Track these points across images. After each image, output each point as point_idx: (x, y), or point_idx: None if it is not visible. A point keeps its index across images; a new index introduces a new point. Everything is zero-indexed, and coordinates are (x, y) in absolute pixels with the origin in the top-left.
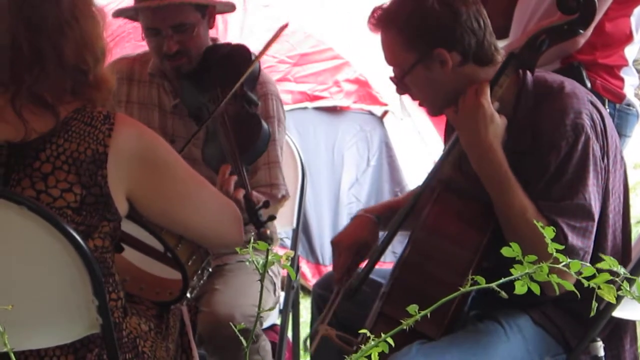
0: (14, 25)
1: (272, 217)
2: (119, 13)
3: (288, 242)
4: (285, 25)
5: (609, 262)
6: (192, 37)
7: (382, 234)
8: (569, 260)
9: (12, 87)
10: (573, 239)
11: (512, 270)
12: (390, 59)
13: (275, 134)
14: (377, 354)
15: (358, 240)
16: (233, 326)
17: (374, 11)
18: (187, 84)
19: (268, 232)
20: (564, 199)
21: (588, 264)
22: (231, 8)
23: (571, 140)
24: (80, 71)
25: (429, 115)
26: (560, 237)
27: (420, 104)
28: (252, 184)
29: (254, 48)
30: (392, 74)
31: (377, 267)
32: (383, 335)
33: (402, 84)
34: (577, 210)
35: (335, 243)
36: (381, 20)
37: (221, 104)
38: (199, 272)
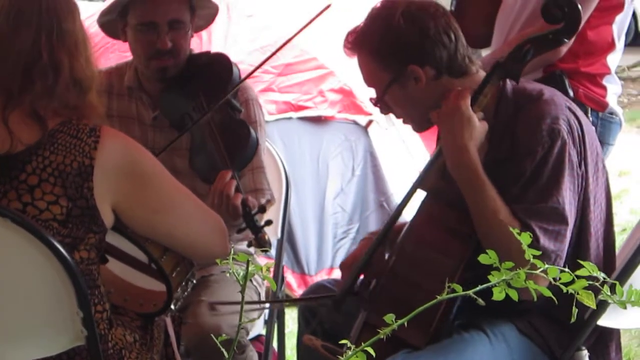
0: (38, 33)
1: (269, 222)
2: (104, 20)
3: (273, 252)
4: (329, 6)
5: (588, 268)
6: (183, 38)
7: None
8: (546, 265)
9: (13, 94)
10: (545, 241)
11: (489, 277)
12: (368, 80)
13: (259, 139)
14: None
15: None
16: (214, 338)
17: (347, 35)
18: (168, 94)
19: (266, 237)
20: (537, 202)
21: (567, 270)
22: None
23: (547, 145)
24: (84, 89)
25: (415, 131)
26: (532, 241)
27: (405, 122)
28: None
29: (238, 57)
30: (373, 95)
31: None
32: (370, 350)
33: (383, 103)
34: (550, 213)
35: (342, 265)
36: (355, 43)
37: (208, 113)
38: (183, 283)
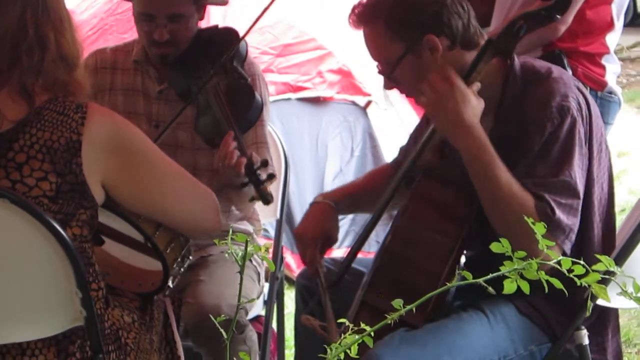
0: (24, 7)
1: (272, 175)
2: None
3: (272, 233)
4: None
5: (605, 262)
6: (184, 29)
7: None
8: (560, 257)
9: (2, 72)
10: (560, 214)
11: (501, 267)
12: (377, 54)
13: (263, 113)
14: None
15: (322, 231)
16: (213, 319)
17: (354, 8)
18: (177, 67)
19: (268, 189)
20: (549, 175)
21: (581, 262)
22: (222, 1)
23: (557, 121)
24: (70, 65)
25: (418, 104)
26: (547, 211)
27: (409, 95)
28: None
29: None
30: (379, 68)
31: (359, 256)
32: (364, 323)
33: (390, 78)
34: (562, 186)
35: (299, 235)
36: (363, 15)
37: (211, 74)
38: (179, 259)
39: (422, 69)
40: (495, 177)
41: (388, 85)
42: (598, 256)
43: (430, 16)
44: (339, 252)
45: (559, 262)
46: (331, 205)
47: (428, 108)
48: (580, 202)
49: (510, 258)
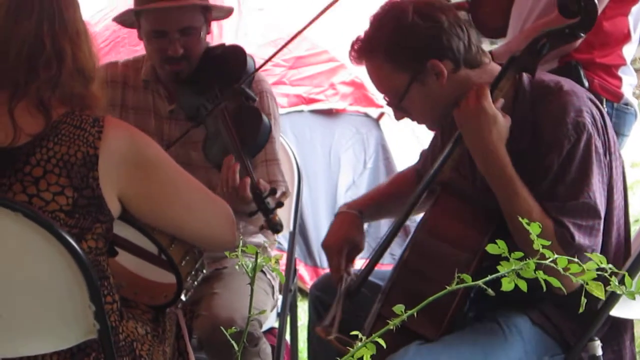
0: (41, 20)
1: (280, 204)
2: (120, 18)
3: (285, 245)
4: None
5: (596, 260)
6: (197, 42)
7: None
8: (556, 255)
9: (19, 85)
10: (580, 238)
11: (498, 267)
12: (382, 86)
13: (272, 131)
14: (369, 355)
15: (347, 241)
16: (224, 330)
17: (352, 44)
18: (184, 88)
19: (277, 218)
20: (569, 198)
21: (576, 260)
22: (227, 14)
23: (573, 139)
24: (87, 78)
25: (431, 130)
26: (567, 237)
27: (420, 123)
28: None
29: (249, 51)
30: (387, 100)
31: (376, 268)
32: (380, 337)
33: (399, 108)
34: (582, 209)
35: (326, 247)
36: (362, 50)
37: (221, 102)
38: (193, 273)
39: (430, 96)
40: (517, 202)
41: (398, 116)
42: (589, 255)
43: (429, 41)
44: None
45: (554, 261)
46: (356, 215)
47: (461, 123)
48: (602, 220)
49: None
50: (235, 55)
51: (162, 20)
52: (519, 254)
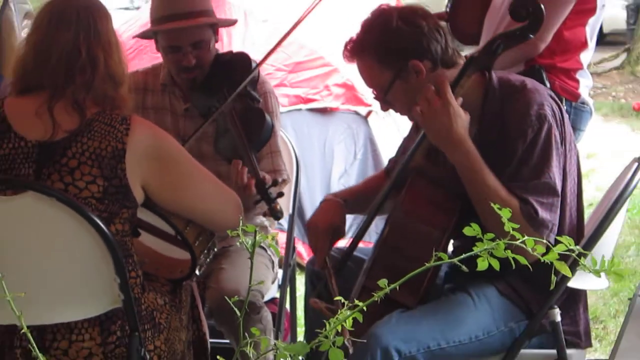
0: (78, 31)
1: (281, 194)
2: (141, 34)
3: (286, 226)
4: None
5: (565, 242)
6: (207, 52)
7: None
8: (525, 237)
9: (58, 87)
10: (542, 213)
11: (474, 248)
12: (370, 82)
13: (275, 127)
14: (351, 319)
15: (331, 224)
16: (228, 299)
17: (345, 45)
18: (197, 90)
19: (278, 207)
20: (532, 179)
21: (544, 241)
22: (232, 23)
23: (536, 128)
24: (117, 82)
25: (411, 120)
26: (531, 212)
27: (402, 114)
28: None
29: (254, 57)
30: (374, 94)
31: (360, 245)
32: (365, 307)
33: (385, 101)
34: (544, 188)
35: (310, 227)
36: (353, 50)
37: (228, 100)
38: (206, 251)
39: (411, 91)
40: (484, 184)
41: (383, 107)
42: (558, 237)
43: (411, 44)
44: (342, 242)
45: (523, 242)
46: (340, 203)
47: (423, 120)
48: (559, 199)
49: (481, 240)
50: (242, 62)
51: (175, 37)
52: (491, 235)
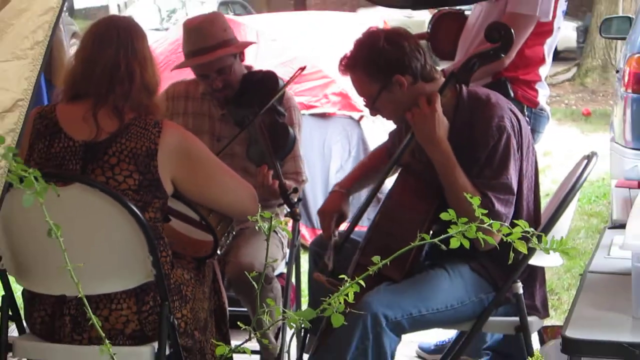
0: (118, 48)
1: (300, 200)
2: (177, 67)
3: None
4: (303, 68)
5: (521, 225)
6: (233, 75)
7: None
8: (491, 221)
9: (101, 95)
10: (498, 206)
11: (448, 230)
12: (361, 92)
13: (297, 135)
14: (352, 293)
15: (336, 210)
16: (247, 274)
17: (341, 60)
18: (232, 102)
19: (297, 210)
20: (492, 179)
21: (506, 224)
22: (248, 44)
23: (496, 137)
24: (151, 92)
25: (396, 124)
26: (489, 205)
27: (388, 119)
28: (283, 173)
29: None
30: (364, 102)
31: (356, 229)
32: (361, 281)
33: (373, 108)
34: (502, 186)
35: (320, 212)
36: (347, 65)
37: (259, 114)
38: (226, 234)
39: (395, 100)
40: (456, 179)
41: (372, 113)
42: (516, 221)
43: (395, 61)
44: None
45: (490, 225)
46: (343, 193)
47: (414, 123)
48: (514, 196)
49: (456, 224)
50: (271, 80)
51: (201, 68)
52: (465, 219)
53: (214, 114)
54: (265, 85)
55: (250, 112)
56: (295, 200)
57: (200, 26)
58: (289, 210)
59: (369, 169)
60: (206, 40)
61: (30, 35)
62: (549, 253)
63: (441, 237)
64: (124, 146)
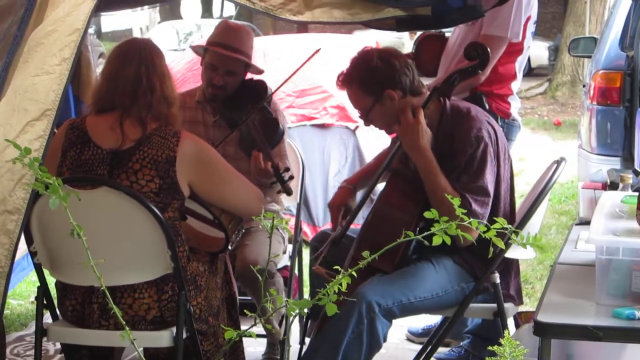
0: (140, 65)
1: (292, 177)
2: (195, 48)
3: (294, 211)
4: (318, 51)
5: (500, 222)
6: (233, 81)
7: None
8: (471, 219)
9: (126, 107)
10: (475, 207)
11: (432, 228)
12: (355, 104)
13: (285, 130)
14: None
15: (343, 204)
16: (252, 268)
17: (338, 76)
18: (226, 105)
19: (289, 185)
20: (470, 182)
21: (484, 222)
22: (259, 72)
23: (474, 147)
24: (169, 103)
25: (387, 134)
26: (467, 205)
27: (380, 129)
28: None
29: (271, 85)
30: (359, 114)
31: (352, 226)
32: (354, 273)
33: (367, 119)
34: (478, 189)
35: (330, 206)
36: (344, 81)
37: (251, 114)
38: (236, 232)
39: (386, 113)
40: (437, 183)
41: (366, 124)
42: (495, 218)
43: (387, 78)
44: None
45: (470, 223)
46: (350, 189)
47: (401, 133)
48: (490, 199)
49: (438, 222)
50: (260, 87)
51: (217, 59)
52: (446, 218)
53: (208, 121)
54: (256, 91)
55: (243, 112)
56: (287, 178)
57: (238, 30)
58: (281, 186)
59: (374, 169)
60: (236, 42)
61: (58, 52)
62: (525, 247)
63: (424, 234)
64: (146, 154)
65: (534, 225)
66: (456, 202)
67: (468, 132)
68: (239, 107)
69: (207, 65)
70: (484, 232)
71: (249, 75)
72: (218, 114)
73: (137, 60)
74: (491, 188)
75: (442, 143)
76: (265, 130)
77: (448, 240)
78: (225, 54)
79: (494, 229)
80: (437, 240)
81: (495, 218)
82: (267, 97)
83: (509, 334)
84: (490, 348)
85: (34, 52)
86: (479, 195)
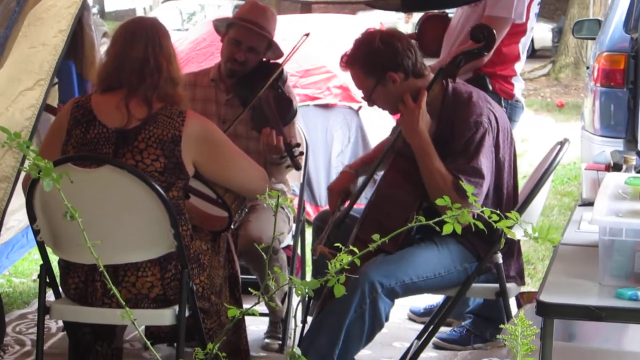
0: (147, 45)
1: (302, 153)
2: (217, 22)
3: (297, 191)
4: (307, 35)
5: (512, 217)
6: (254, 59)
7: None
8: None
9: (132, 86)
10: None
11: (444, 216)
12: (358, 85)
13: (297, 108)
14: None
15: (343, 188)
16: (257, 246)
17: (342, 57)
18: (241, 83)
19: (300, 160)
20: (464, 163)
21: (497, 212)
22: (277, 56)
23: (473, 131)
24: (175, 83)
25: (390, 114)
26: (459, 186)
27: (383, 109)
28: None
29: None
30: (362, 95)
31: (355, 206)
32: (358, 251)
33: (370, 100)
34: (472, 170)
35: (329, 189)
36: (348, 62)
37: (262, 90)
38: (239, 211)
39: (389, 94)
40: (432, 163)
41: (369, 104)
42: (508, 214)
43: (388, 60)
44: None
45: (482, 211)
46: (352, 173)
47: (401, 116)
48: (485, 181)
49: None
50: (274, 66)
51: (242, 34)
52: (458, 205)
53: (220, 100)
54: (269, 69)
55: (256, 91)
56: (297, 153)
57: (265, 9)
58: (291, 161)
59: (377, 154)
60: (263, 20)
61: (55, 25)
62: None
63: (435, 219)
64: (152, 133)
65: (537, 206)
66: (470, 189)
67: (468, 118)
68: (254, 86)
69: (230, 40)
70: (496, 222)
71: None
72: (232, 91)
73: (144, 39)
74: (487, 172)
75: (443, 127)
76: (279, 107)
77: (459, 229)
78: (252, 28)
79: (505, 224)
80: (447, 229)
81: (508, 214)
82: (279, 71)
83: (517, 314)
84: (502, 326)
85: (33, 27)
86: (472, 176)
